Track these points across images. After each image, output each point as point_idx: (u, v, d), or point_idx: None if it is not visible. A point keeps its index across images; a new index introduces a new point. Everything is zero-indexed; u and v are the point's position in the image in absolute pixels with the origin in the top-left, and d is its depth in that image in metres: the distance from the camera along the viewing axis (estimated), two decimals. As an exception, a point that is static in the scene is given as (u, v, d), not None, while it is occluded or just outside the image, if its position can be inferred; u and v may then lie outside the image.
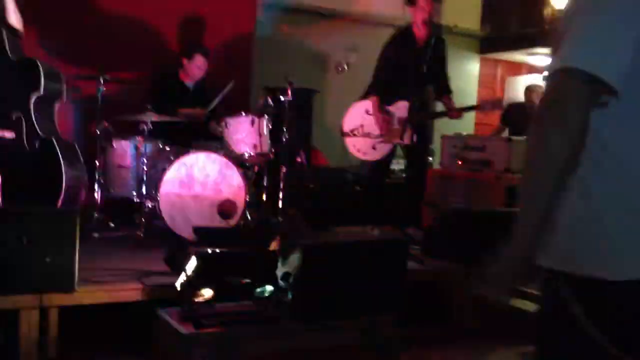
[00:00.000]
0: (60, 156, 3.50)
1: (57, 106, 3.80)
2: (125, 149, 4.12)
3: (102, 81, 3.97)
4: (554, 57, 1.23)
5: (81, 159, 3.73)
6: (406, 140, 4.43)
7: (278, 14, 6.16)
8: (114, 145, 4.11)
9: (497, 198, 4.59)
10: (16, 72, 3.59)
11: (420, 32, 4.55)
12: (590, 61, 1.14)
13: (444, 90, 4.72)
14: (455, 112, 4.59)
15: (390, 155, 4.69)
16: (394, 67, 4.56)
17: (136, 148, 4.09)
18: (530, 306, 4.30)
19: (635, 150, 1.20)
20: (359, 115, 4.66)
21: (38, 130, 3.55)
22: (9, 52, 3.57)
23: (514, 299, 4.40)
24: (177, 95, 4.70)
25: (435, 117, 4.89)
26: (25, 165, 3.50)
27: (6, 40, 3.57)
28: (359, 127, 4.64)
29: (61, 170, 3.49)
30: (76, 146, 3.76)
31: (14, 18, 3.64)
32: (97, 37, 4.90)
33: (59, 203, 3.43)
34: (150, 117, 3.99)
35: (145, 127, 3.99)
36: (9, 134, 3.50)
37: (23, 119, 3.54)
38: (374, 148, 4.59)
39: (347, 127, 4.69)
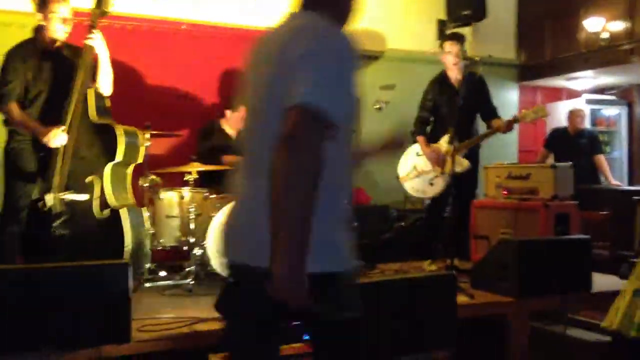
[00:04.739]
0: (123, 227, 3.56)
1: (132, 166, 3.89)
2: (172, 200, 4.23)
3: (147, 136, 4.11)
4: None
5: (145, 223, 3.84)
6: (458, 168, 4.48)
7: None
8: (162, 196, 4.23)
9: (546, 226, 4.50)
10: (98, 137, 3.68)
11: (453, 73, 4.78)
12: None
13: (493, 117, 4.83)
14: (502, 126, 4.64)
15: (448, 190, 4.71)
16: (434, 111, 4.82)
17: (182, 198, 4.20)
18: (589, 336, 4.18)
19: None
20: (411, 159, 4.86)
21: (108, 197, 3.63)
22: (90, 116, 3.68)
23: (570, 329, 4.28)
24: (221, 145, 4.84)
25: (483, 138, 4.89)
26: (93, 228, 3.58)
27: (95, 104, 3.69)
28: (413, 170, 4.83)
29: (123, 241, 3.55)
30: (142, 211, 3.86)
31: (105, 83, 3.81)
32: (141, 95, 5.11)
33: None
34: (195, 168, 4.11)
35: (191, 177, 4.11)
36: (82, 197, 3.59)
37: (95, 184, 3.63)
38: (431, 184, 4.75)
39: (402, 172, 4.88)
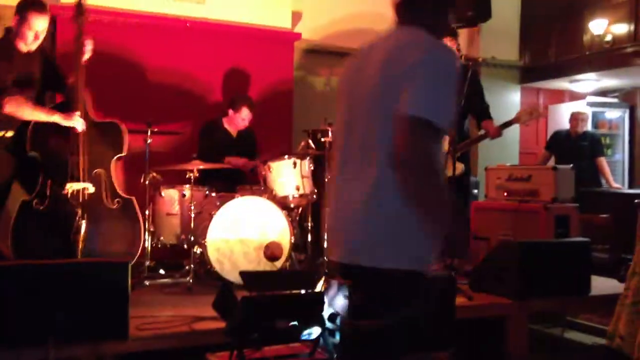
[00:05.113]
0: (138, 216, 3.71)
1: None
2: (173, 197, 4.24)
3: (149, 133, 4.11)
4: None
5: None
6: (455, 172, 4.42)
7: (315, 57, 6.29)
8: (163, 194, 4.24)
9: (546, 228, 4.49)
10: (98, 132, 3.78)
11: None
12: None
13: (484, 117, 4.76)
14: (493, 131, 4.58)
15: None
16: None
17: (183, 196, 4.21)
18: (587, 339, 4.17)
19: None
20: None
21: (117, 188, 3.75)
22: (89, 114, 3.79)
23: (568, 331, 4.27)
24: (222, 143, 4.84)
25: (475, 142, 4.86)
26: (104, 219, 3.68)
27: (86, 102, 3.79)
28: None
29: (140, 229, 3.70)
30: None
31: None
32: (144, 92, 5.11)
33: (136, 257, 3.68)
34: (196, 166, 4.11)
35: (191, 175, 4.11)
36: (91, 189, 3.65)
37: (103, 176, 3.73)
38: None
39: None
